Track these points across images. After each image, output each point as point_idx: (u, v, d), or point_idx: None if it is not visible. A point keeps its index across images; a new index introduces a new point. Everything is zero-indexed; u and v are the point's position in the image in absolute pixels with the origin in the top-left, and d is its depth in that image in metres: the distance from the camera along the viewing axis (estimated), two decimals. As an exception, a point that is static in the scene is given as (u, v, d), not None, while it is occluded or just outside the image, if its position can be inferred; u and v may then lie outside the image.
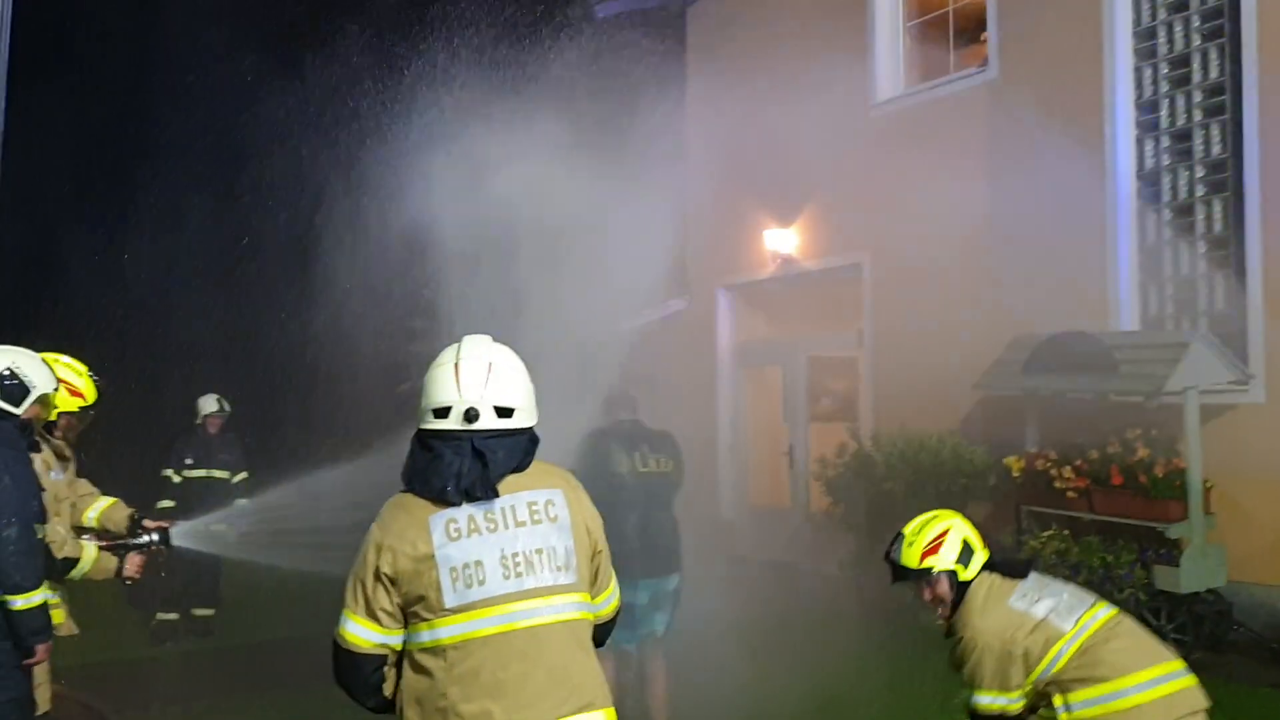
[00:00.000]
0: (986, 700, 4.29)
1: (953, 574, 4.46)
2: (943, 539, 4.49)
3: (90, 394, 5.59)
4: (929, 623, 9.86)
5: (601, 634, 3.22)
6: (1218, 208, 9.70)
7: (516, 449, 3.04)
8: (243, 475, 10.70)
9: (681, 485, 6.78)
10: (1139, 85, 10.28)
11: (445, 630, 2.88)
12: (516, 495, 3.00)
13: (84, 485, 5.90)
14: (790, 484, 13.97)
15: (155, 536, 5.71)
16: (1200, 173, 9.83)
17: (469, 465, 2.95)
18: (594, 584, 3.15)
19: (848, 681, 7.89)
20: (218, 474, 10.57)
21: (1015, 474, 9.65)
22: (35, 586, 4.58)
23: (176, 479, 10.47)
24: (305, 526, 9.35)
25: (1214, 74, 9.72)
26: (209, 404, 10.69)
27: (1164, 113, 10.11)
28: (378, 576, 2.92)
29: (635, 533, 6.25)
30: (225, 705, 7.93)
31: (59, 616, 5.33)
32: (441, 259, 14.46)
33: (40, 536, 4.81)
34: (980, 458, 10.19)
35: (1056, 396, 9.92)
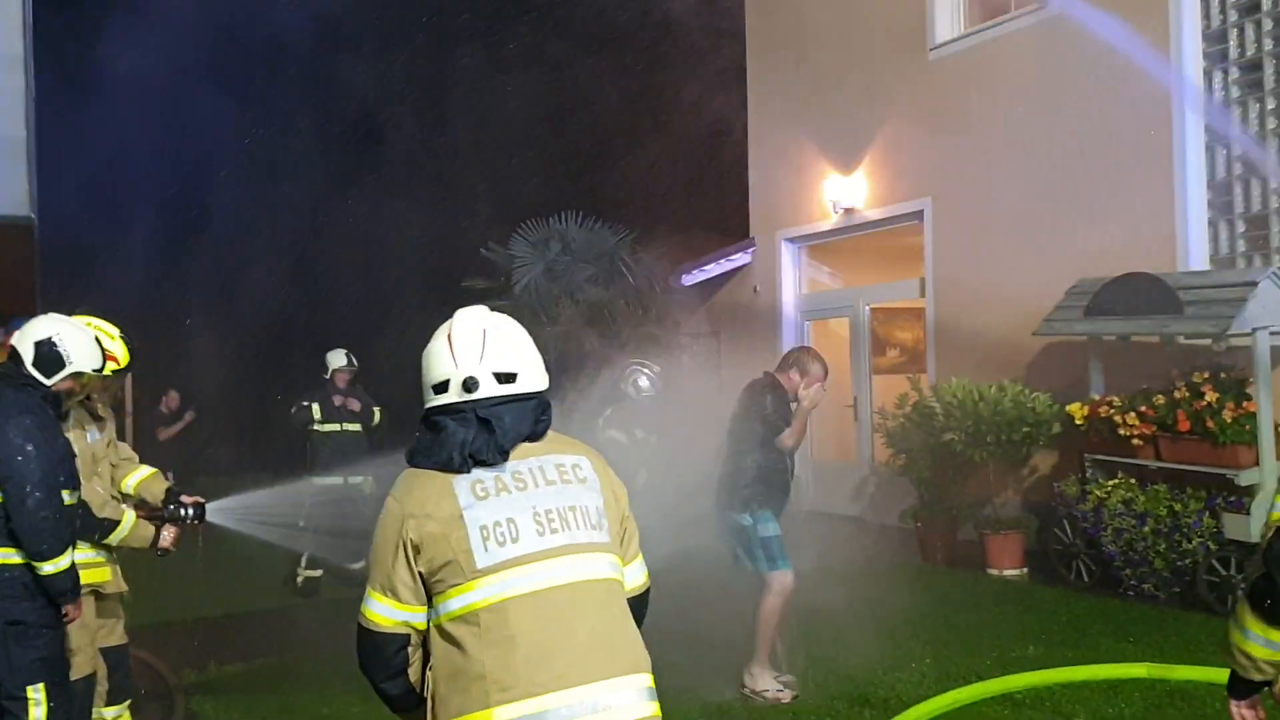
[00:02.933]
0: None
1: None
2: None
3: (123, 358, 5.58)
4: (993, 576, 9.81)
5: (635, 612, 2.99)
6: (1290, 140, 9.30)
7: (525, 414, 2.88)
8: (376, 419, 10.81)
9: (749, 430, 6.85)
10: (1206, 15, 9.87)
11: (478, 593, 2.71)
12: (543, 458, 2.87)
13: (124, 449, 5.93)
14: (855, 437, 13.79)
15: (191, 511, 5.75)
16: (1271, 104, 9.41)
17: (474, 434, 2.80)
18: (621, 552, 2.99)
19: (903, 635, 7.79)
20: (349, 428, 10.67)
21: (1079, 421, 9.37)
22: (61, 552, 4.61)
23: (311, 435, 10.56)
24: None
25: (1284, 0, 9.29)
26: (338, 359, 10.77)
27: (1233, 43, 9.69)
28: (399, 548, 2.77)
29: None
30: (286, 663, 8.05)
31: (105, 574, 5.42)
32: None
33: (72, 502, 4.85)
34: (1043, 405, 9.93)
35: (1122, 341, 9.63)
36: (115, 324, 5.67)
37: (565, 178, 14.73)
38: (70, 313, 5.25)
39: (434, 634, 2.79)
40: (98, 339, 5.21)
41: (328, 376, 10.72)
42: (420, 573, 2.76)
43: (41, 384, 4.84)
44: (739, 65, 15.53)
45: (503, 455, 2.81)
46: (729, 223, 15.79)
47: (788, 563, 6.74)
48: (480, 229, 13.91)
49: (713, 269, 15.10)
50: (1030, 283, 10.65)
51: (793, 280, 14.85)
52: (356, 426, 10.68)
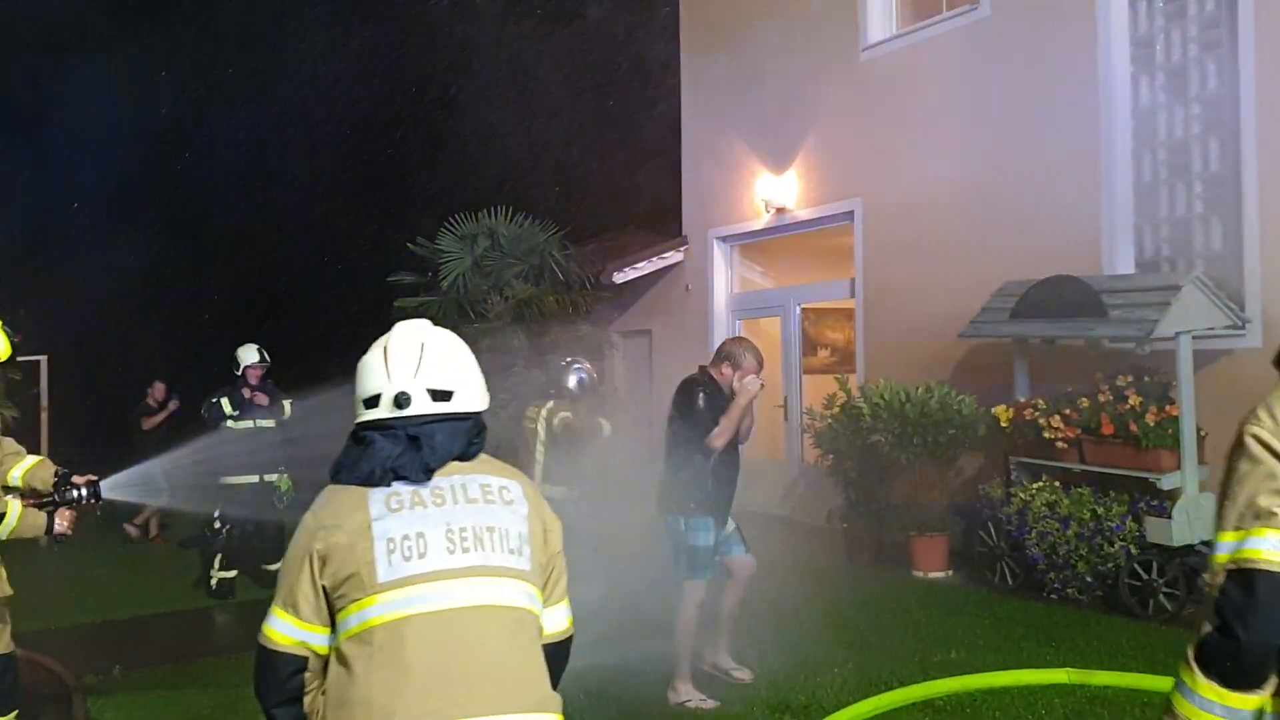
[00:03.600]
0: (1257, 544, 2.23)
1: None
2: None
3: (3, 351, 5.32)
4: (919, 579, 9.75)
5: (554, 660, 2.79)
6: (1214, 146, 9.34)
7: (458, 434, 2.73)
8: (287, 412, 10.48)
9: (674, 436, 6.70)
10: (1134, 20, 9.90)
11: (376, 609, 2.53)
12: (468, 476, 2.71)
13: (9, 444, 5.65)
14: (784, 437, 13.73)
15: (84, 491, 5.48)
16: (1196, 110, 9.46)
17: (401, 450, 2.66)
18: (545, 590, 2.79)
19: (825, 639, 7.69)
20: (264, 424, 10.34)
21: (1004, 424, 9.36)
22: None
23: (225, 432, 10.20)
24: None
25: (1210, 6, 9.34)
26: (250, 354, 10.46)
27: (1159, 48, 9.73)
28: (306, 559, 2.61)
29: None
30: (195, 667, 7.80)
31: None
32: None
33: None
34: (969, 408, 9.90)
35: (1047, 344, 9.65)
36: None
37: (495, 174, 14.48)
38: None
39: (331, 658, 2.61)
40: None
41: (239, 373, 10.43)
42: (324, 587, 2.60)
43: None
44: (674, 63, 15.44)
45: (427, 474, 2.67)
46: (661, 221, 15.68)
47: (706, 573, 6.60)
48: (409, 223, 13.62)
49: (644, 266, 14.97)
50: (959, 284, 10.63)
51: (724, 279, 14.79)
52: (270, 422, 10.38)
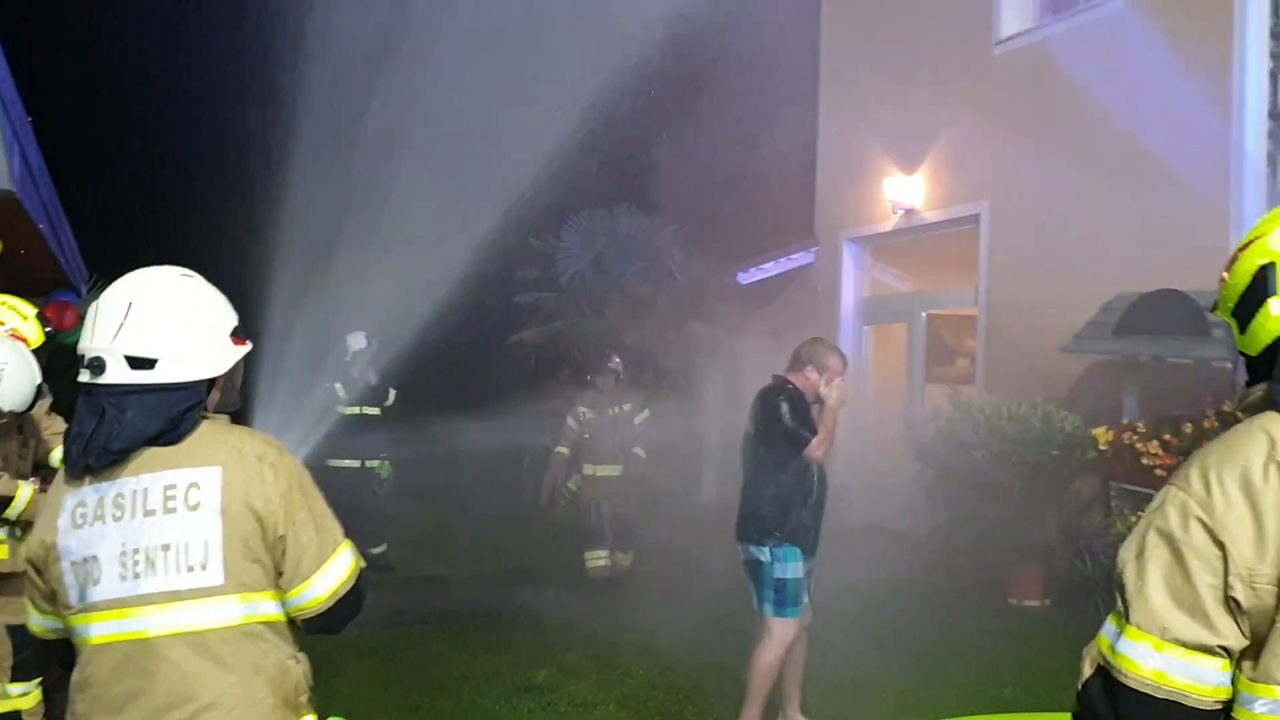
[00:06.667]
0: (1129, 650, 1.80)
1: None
2: (1238, 255, 1.99)
3: (34, 339, 5.52)
4: (1012, 606, 9.20)
5: (334, 623, 2.62)
6: (1356, 152, 8.52)
7: (157, 409, 2.43)
8: (390, 399, 10.66)
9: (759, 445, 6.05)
10: (1275, 13, 9.11)
11: (74, 629, 2.48)
12: (157, 475, 2.44)
13: (58, 423, 5.85)
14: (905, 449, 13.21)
15: None
16: (1337, 111, 8.65)
17: (93, 427, 2.43)
18: (284, 575, 2.53)
19: (878, 662, 7.31)
20: (369, 410, 10.53)
21: (1103, 446, 8.75)
22: None
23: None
24: None
25: (1355, -3, 8.52)
26: (359, 341, 10.64)
27: (1299, 44, 8.94)
28: (28, 563, 2.57)
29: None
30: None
31: (3, 552, 5.35)
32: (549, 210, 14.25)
33: None
34: (1074, 427, 9.29)
35: (1155, 363, 8.97)
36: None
37: (620, 171, 14.40)
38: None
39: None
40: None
41: (347, 359, 10.57)
42: (46, 590, 2.55)
43: None
44: (812, 60, 15.04)
45: (109, 456, 2.43)
46: (791, 221, 15.31)
47: (798, 611, 5.88)
48: (531, 219, 13.66)
49: (771, 268, 14.64)
50: (1080, 295, 9.97)
51: (853, 282, 14.32)
52: (375, 410, 10.52)
